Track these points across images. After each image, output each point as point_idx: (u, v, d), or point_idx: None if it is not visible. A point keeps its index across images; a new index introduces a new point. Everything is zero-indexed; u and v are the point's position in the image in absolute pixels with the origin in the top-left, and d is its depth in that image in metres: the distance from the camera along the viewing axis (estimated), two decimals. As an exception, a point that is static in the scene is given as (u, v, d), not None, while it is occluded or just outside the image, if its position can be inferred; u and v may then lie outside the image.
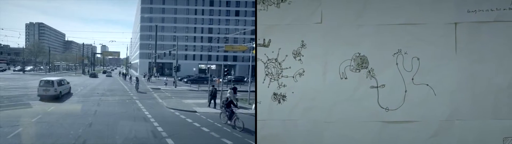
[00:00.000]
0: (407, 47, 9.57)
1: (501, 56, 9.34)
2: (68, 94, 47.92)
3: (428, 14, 9.49)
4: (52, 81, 42.66)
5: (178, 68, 70.47)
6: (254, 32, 10.20)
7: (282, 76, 10.05)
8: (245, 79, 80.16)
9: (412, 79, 9.60)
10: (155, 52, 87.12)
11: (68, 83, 48.87)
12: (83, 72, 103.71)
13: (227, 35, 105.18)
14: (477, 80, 9.44)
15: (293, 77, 9.98)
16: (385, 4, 9.62)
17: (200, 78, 79.82)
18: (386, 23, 9.61)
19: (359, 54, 9.70)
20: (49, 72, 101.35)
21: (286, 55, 9.99)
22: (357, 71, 9.74)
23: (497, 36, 9.31)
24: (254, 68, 10.32)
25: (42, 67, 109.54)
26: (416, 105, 9.64)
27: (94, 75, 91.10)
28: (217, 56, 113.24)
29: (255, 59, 10.29)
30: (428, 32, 9.49)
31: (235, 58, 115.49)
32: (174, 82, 68.25)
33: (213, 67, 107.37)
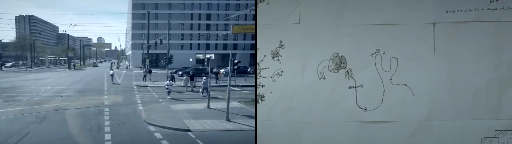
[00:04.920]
0: (385, 47, 10.12)
1: (480, 56, 9.86)
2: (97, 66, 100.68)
3: (406, 14, 10.03)
4: (95, 62, 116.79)
5: (170, 60, 65.67)
6: (254, 31, 10.74)
7: (260, 76, 10.64)
8: (248, 70, 76.72)
9: (391, 79, 10.15)
10: (148, 42, 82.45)
11: (97, 62, 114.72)
12: (69, 67, 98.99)
13: (228, 18, 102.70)
14: (455, 80, 9.97)
15: (271, 77, 10.55)
16: (364, 5, 10.18)
17: (197, 70, 72.72)
18: (364, 23, 10.17)
19: (338, 54, 10.24)
20: (31, 67, 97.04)
21: (264, 55, 10.58)
22: (336, 71, 10.29)
23: (475, 36, 9.83)
24: (255, 66, 10.80)
25: (26, 62, 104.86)
26: (394, 105, 10.20)
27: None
28: (216, 44, 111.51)
29: (255, 57, 10.80)
30: (406, 32, 10.03)
31: (235, 46, 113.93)
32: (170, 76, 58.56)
33: (212, 56, 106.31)
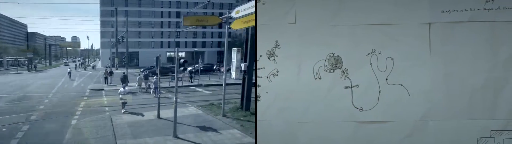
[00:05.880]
0: (381, 47, 10.23)
1: (475, 56, 9.99)
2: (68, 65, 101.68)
3: (402, 14, 10.15)
4: (67, 61, 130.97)
5: (129, 59, 62.01)
6: (254, 31, 10.91)
7: (256, 76, 10.61)
8: (214, 67, 75.99)
9: (386, 79, 10.26)
10: (116, 40, 79.26)
11: (68, 62, 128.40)
12: (28, 68, 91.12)
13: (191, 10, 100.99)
14: (451, 80, 10.10)
15: (267, 77, 10.61)
16: (359, 5, 10.29)
17: (164, 69, 66.35)
18: (360, 23, 10.27)
19: (333, 54, 10.33)
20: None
21: (260, 56, 10.65)
22: (331, 71, 10.38)
23: (471, 36, 9.97)
24: (255, 65, 10.89)
25: None
26: (390, 105, 10.31)
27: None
28: (186, 42, 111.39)
29: (255, 55, 10.80)
30: (402, 32, 10.15)
31: (204, 44, 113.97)
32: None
33: (182, 54, 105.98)
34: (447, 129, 10.15)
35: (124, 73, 48.66)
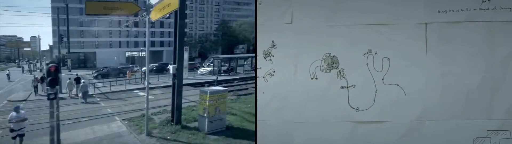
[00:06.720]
0: (377, 47, 10.27)
1: (471, 56, 10.08)
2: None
3: (398, 15, 10.20)
4: (20, 63, 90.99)
5: (64, 60, 54.95)
6: (254, 31, 10.78)
7: (256, 76, 10.60)
8: (168, 67, 66.13)
9: (383, 79, 10.31)
10: (68, 39, 73.61)
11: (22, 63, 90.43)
12: None
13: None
14: (447, 80, 10.18)
15: (263, 77, 10.61)
16: (356, 5, 10.34)
17: (114, 70, 65.72)
18: (356, 24, 10.31)
19: (330, 54, 10.36)
20: None
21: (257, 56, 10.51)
22: (328, 71, 10.39)
23: (467, 36, 10.05)
24: (255, 65, 10.85)
25: None
26: (386, 105, 10.36)
27: None
28: (144, 41, 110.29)
29: (255, 55, 10.78)
30: (398, 32, 10.19)
31: (161, 43, 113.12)
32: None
33: (144, 54, 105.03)
34: (443, 129, 10.23)
35: (37, 77, 42.02)
